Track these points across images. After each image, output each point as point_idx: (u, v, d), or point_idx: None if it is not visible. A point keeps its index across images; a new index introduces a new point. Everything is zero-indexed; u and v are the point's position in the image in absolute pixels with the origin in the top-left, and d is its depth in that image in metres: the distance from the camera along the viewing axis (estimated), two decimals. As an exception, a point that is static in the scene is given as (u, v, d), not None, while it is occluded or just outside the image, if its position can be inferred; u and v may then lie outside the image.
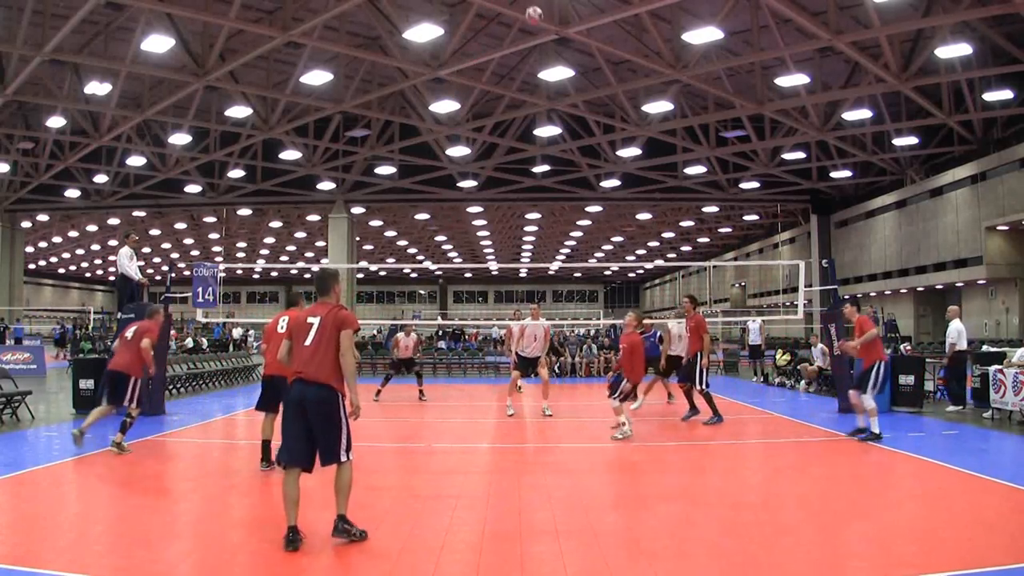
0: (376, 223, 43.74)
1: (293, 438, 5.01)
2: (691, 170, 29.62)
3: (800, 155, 28.24)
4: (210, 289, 12.69)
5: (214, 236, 48.77)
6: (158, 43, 16.56)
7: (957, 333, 12.53)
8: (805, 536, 5.46)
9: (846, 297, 13.64)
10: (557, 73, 19.29)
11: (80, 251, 54.77)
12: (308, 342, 5.04)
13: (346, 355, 5.02)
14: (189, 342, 25.44)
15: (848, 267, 33.60)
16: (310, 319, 5.11)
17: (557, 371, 21.45)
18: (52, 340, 35.87)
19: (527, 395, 14.92)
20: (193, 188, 31.74)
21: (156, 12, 16.20)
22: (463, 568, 4.71)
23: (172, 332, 20.01)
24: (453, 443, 10.01)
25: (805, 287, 14.11)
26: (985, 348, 12.20)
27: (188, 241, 50.88)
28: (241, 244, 53.14)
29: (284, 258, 58.67)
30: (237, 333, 35.96)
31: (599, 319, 49.53)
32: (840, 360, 12.58)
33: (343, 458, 5.03)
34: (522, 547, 5.05)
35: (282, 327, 6.99)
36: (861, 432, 9.40)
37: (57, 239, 48.28)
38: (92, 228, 45.24)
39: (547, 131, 25.42)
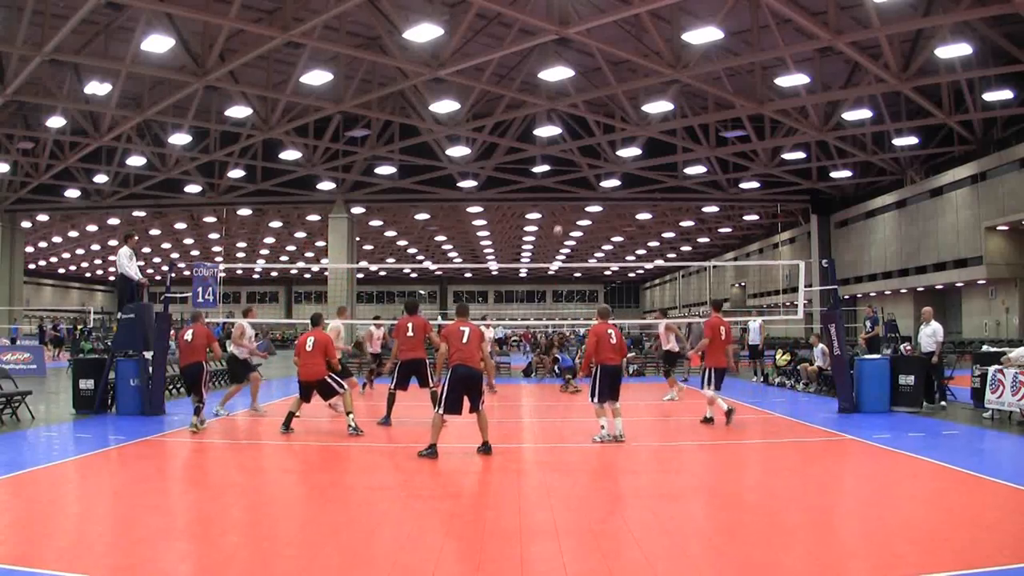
0: (376, 223, 43.75)
1: (456, 399, 8.15)
2: (691, 170, 29.62)
3: (800, 155, 28.25)
4: (210, 289, 12.69)
5: (214, 236, 48.78)
6: (158, 43, 16.55)
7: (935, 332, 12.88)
8: (805, 536, 5.46)
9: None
10: (557, 73, 19.28)
11: (80, 251, 54.77)
12: (464, 341, 8.25)
13: (485, 346, 8.68)
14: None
15: (848, 267, 33.60)
16: (462, 328, 8.34)
17: (557, 371, 21.45)
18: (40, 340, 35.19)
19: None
20: (193, 188, 31.75)
21: (156, 12, 16.19)
22: (463, 568, 4.71)
23: (173, 332, 20.00)
24: (453, 443, 10.00)
25: (805, 287, 14.11)
26: (985, 348, 12.16)
27: (188, 241, 50.88)
28: (241, 244, 53.15)
29: (284, 258, 58.67)
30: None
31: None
32: (840, 360, 12.57)
33: (479, 407, 8.39)
34: (522, 547, 5.05)
35: (411, 331, 10.14)
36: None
37: (57, 239, 48.29)
38: (92, 228, 45.25)
39: (547, 131, 25.41)
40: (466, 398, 8.23)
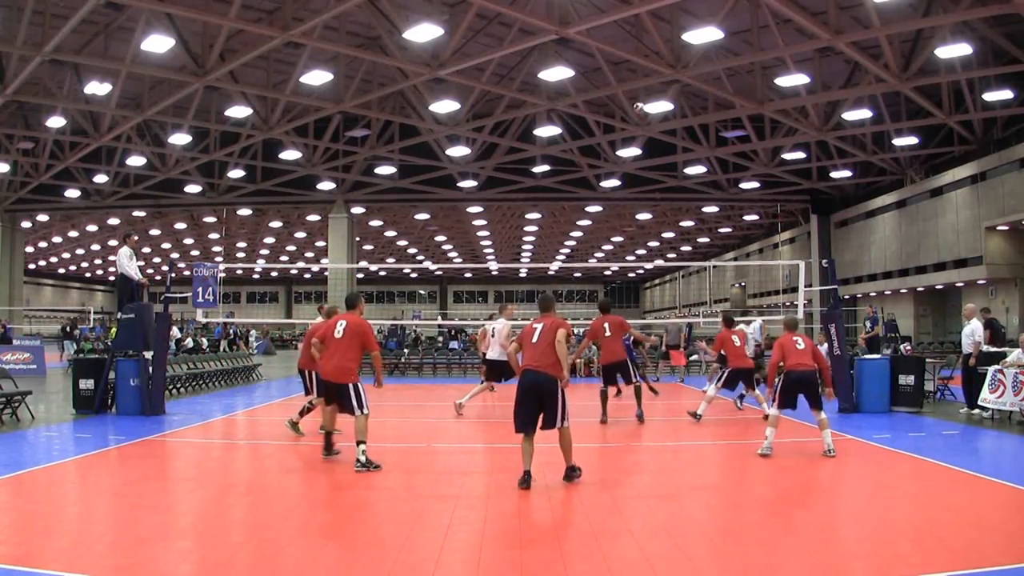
0: (376, 223, 43.74)
1: (525, 415, 6.71)
2: (691, 170, 29.62)
3: (800, 155, 28.24)
4: (210, 289, 12.69)
5: (214, 236, 48.77)
6: (158, 43, 16.54)
7: (973, 332, 11.99)
8: (805, 536, 5.46)
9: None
10: (557, 73, 19.28)
11: (80, 251, 54.77)
12: (534, 340, 6.82)
13: (560, 344, 6.71)
14: (189, 342, 25.39)
15: (848, 267, 33.59)
16: (535, 325, 6.93)
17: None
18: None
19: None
20: (193, 188, 31.74)
21: (156, 12, 16.19)
22: (463, 568, 4.71)
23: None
24: (453, 443, 10.01)
25: (805, 287, 14.11)
26: (985, 348, 12.13)
27: (188, 241, 50.88)
28: (241, 244, 53.13)
29: (284, 258, 58.67)
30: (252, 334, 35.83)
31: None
32: (840, 360, 12.58)
33: (560, 424, 6.73)
34: (522, 547, 5.05)
35: (607, 331, 10.58)
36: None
37: (57, 239, 48.29)
38: (92, 228, 45.25)
39: (547, 131, 25.41)
40: (541, 413, 6.74)
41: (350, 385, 7.50)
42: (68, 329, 34.01)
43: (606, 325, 10.86)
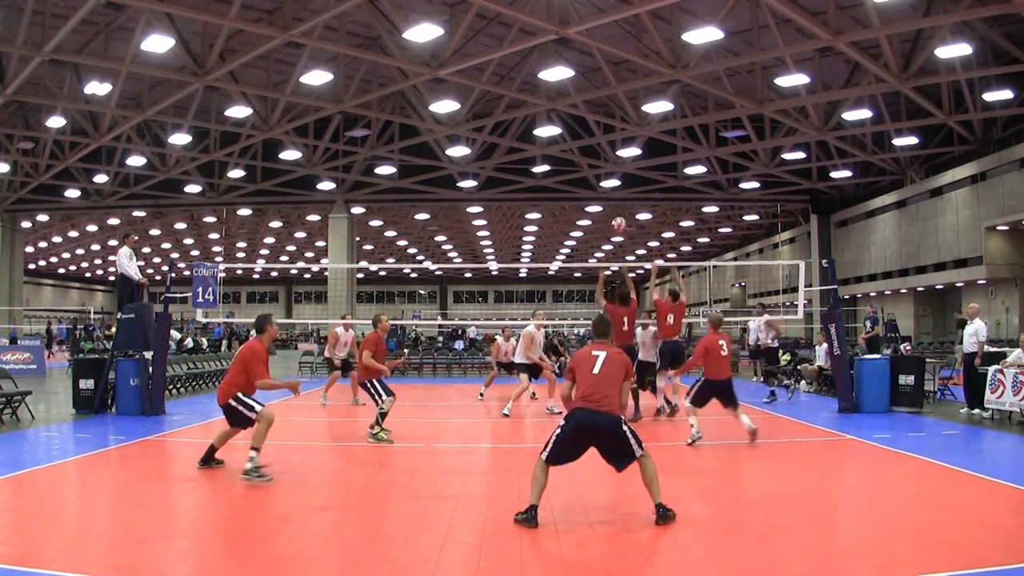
0: (376, 223, 43.75)
1: (574, 451, 5.70)
2: (691, 170, 29.62)
3: (800, 155, 28.25)
4: (210, 289, 12.69)
5: (214, 236, 48.77)
6: (158, 43, 16.55)
7: (976, 332, 11.93)
8: (805, 536, 5.46)
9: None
10: (557, 73, 19.28)
11: (80, 251, 54.77)
12: (595, 371, 5.68)
13: (624, 387, 5.77)
14: (189, 342, 25.39)
15: (848, 267, 33.59)
16: (596, 353, 5.79)
17: (558, 371, 21.45)
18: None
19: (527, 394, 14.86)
20: (193, 188, 31.75)
21: (156, 12, 16.20)
22: (463, 568, 4.71)
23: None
24: (453, 443, 10.01)
25: (805, 287, 14.10)
26: (985, 348, 12.13)
27: (188, 241, 50.88)
28: (241, 244, 53.14)
29: (284, 258, 58.67)
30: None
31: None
32: (840, 360, 12.58)
33: (639, 453, 5.58)
34: (522, 547, 5.05)
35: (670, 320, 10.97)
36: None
37: (57, 239, 48.29)
38: (92, 228, 45.25)
39: (547, 131, 25.42)
40: (598, 450, 5.74)
41: (230, 403, 7.24)
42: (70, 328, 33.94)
43: (670, 316, 11.92)
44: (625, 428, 5.60)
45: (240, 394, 7.24)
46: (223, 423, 7.59)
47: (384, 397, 9.48)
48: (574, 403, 5.71)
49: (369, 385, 9.54)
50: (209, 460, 7.62)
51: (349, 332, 13.95)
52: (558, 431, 5.67)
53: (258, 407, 7.20)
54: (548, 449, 5.66)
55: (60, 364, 25.23)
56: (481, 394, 14.91)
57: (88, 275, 68.98)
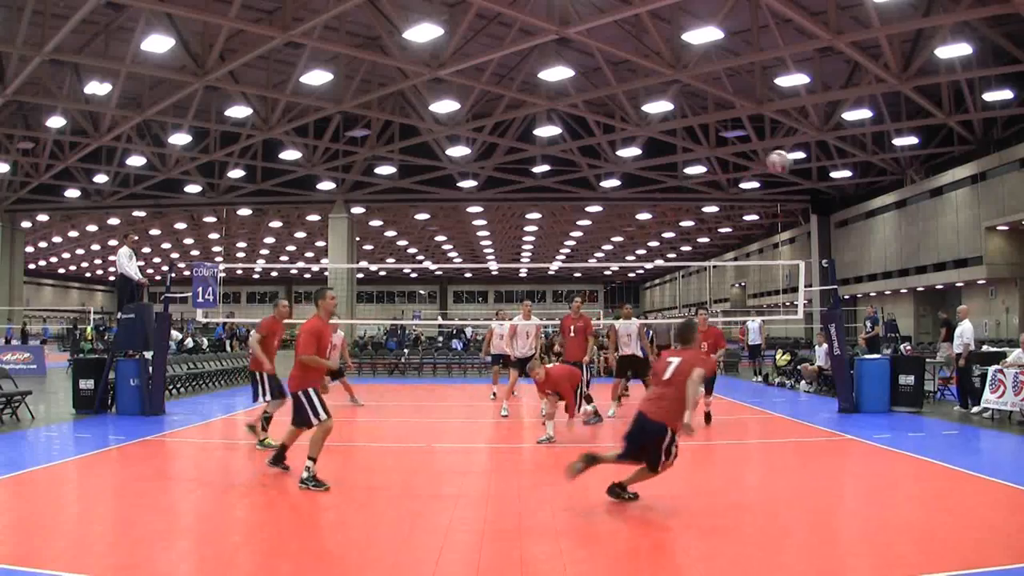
0: (376, 223, 43.74)
1: (632, 448, 5.96)
2: (691, 170, 29.62)
3: (800, 155, 28.22)
4: (210, 289, 12.68)
5: (214, 236, 48.75)
6: (158, 43, 16.54)
7: (962, 333, 12.13)
8: (805, 536, 5.46)
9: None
10: (557, 73, 19.27)
11: (80, 251, 54.76)
12: (667, 376, 5.91)
13: (692, 385, 5.76)
14: (189, 342, 25.37)
15: (848, 267, 33.59)
16: (670, 359, 5.98)
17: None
18: None
19: (524, 395, 14.86)
20: (193, 188, 31.74)
21: (156, 12, 16.18)
22: (463, 568, 4.71)
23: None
24: (453, 443, 10.01)
25: (805, 287, 14.10)
26: (985, 348, 12.13)
27: (188, 241, 50.88)
28: (241, 244, 53.14)
29: (284, 258, 58.66)
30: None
31: (599, 319, 49.48)
32: (840, 360, 12.58)
33: (666, 458, 5.91)
34: (522, 547, 5.05)
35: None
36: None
37: (57, 239, 48.28)
38: (92, 228, 45.24)
39: (547, 131, 25.41)
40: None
41: (298, 394, 6.98)
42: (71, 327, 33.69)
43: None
44: (667, 439, 5.83)
45: (312, 391, 6.88)
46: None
47: (271, 398, 8.62)
48: (641, 406, 6.06)
49: (258, 377, 8.71)
50: (279, 460, 7.34)
51: (338, 334, 12.74)
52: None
53: (323, 415, 6.86)
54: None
55: (60, 364, 25.22)
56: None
57: (88, 275, 68.99)
